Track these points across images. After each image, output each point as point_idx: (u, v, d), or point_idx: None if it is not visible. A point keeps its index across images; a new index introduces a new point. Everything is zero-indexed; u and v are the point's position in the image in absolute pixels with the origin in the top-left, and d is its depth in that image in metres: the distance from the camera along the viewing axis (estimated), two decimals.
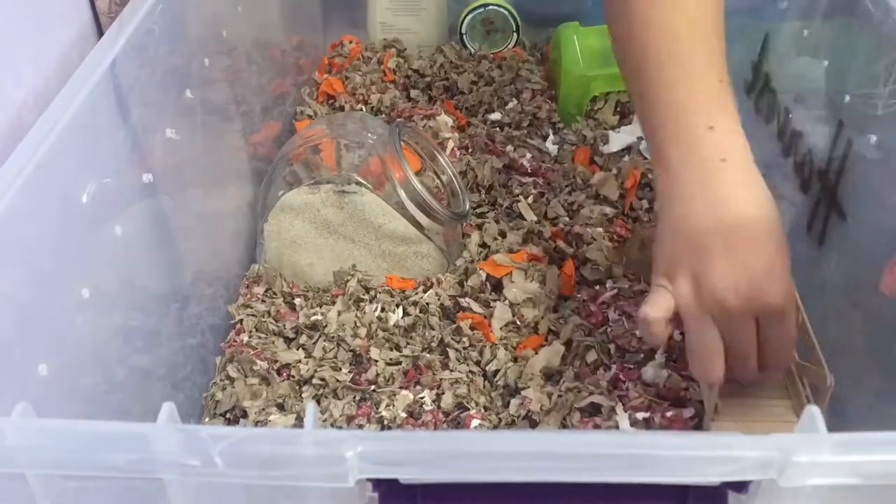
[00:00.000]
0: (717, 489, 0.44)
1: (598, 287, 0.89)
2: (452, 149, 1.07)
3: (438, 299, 0.87)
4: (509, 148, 1.09)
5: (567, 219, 0.99)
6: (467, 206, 0.94)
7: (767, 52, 1.00)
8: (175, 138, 0.78)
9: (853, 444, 0.40)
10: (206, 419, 0.80)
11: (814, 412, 0.41)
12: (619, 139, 1.10)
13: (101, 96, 0.68)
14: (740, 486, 0.43)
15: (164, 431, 0.43)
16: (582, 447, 0.42)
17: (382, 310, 0.87)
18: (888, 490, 0.42)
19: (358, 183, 0.89)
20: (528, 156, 1.07)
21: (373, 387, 0.80)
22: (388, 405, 0.77)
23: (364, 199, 0.89)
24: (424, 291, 0.88)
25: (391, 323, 0.85)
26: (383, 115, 1.16)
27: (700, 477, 0.42)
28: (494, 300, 0.86)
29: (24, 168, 0.58)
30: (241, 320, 0.88)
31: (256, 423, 0.77)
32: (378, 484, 0.45)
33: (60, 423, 0.44)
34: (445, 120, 1.12)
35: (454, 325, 0.84)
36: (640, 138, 1.10)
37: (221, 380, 0.82)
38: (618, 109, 1.17)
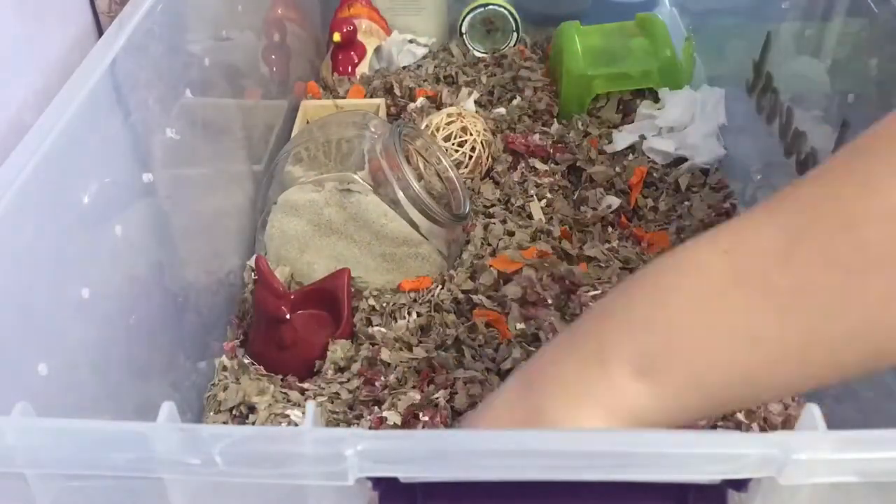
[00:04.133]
0: (717, 487, 0.44)
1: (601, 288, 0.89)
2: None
3: (451, 294, 0.87)
4: (521, 134, 1.11)
5: (573, 217, 0.99)
6: (468, 208, 0.94)
7: (769, 51, 0.99)
8: (175, 138, 0.78)
9: (854, 441, 0.40)
10: (211, 413, 0.79)
11: (813, 410, 0.41)
12: (622, 138, 1.10)
13: (100, 96, 0.68)
14: (740, 485, 0.43)
15: (164, 430, 0.43)
16: (581, 445, 0.42)
17: (394, 310, 0.87)
18: (889, 488, 0.42)
19: (359, 182, 0.89)
20: (546, 144, 1.09)
21: (385, 390, 0.79)
22: (392, 404, 0.77)
23: (366, 200, 0.89)
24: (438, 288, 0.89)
25: (402, 323, 0.85)
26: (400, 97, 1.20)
27: (700, 475, 0.42)
28: (505, 297, 0.86)
29: (24, 168, 0.58)
30: (241, 319, 0.88)
31: (270, 416, 0.77)
32: (378, 482, 0.45)
33: (60, 423, 0.44)
34: (470, 104, 1.16)
35: (469, 323, 0.84)
36: (642, 137, 1.10)
37: (221, 380, 0.81)
38: (620, 108, 1.17)
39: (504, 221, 0.97)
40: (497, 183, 1.05)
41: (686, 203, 1.02)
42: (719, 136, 1.09)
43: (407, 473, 0.44)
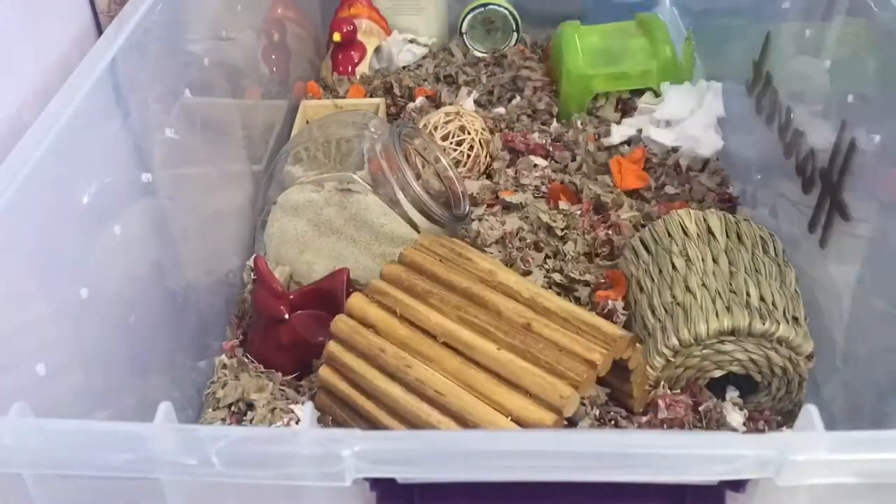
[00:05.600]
0: (715, 488, 0.44)
1: None
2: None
3: None
4: (520, 132, 1.12)
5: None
6: (467, 208, 0.94)
7: (769, 51, 0.99)
8: (174, 138, 0.78)
9: (851, 442, 0.40)
10: (210, 409, 0.79)
11: (811, 410, 0.41)
12: (620, 131, 1.11)
13: (100, 95, 0.68)
14: (738, 485, 0.43)
15: (161, 431, 0.43)
16: (580, 447, 0.42)
17: None
18: (886, 489, 0.42)
19: (359, 182, 0.89)
20: (545, 142, 1.10)
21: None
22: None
23: (366, 200, 0.89)
24: None
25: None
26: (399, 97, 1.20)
27: (698, 476, 0.42)
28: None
29: (23, 167, 0.58)
30: (240, 319, 0.88)
31: (268, 413, 0.77)
32: (375, 483, 0.45)
33: (57, 423, 0.44)
34: (469, 104, 1.16)
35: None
36: (639, 131, 1.10)
37: (220, 377, 0.81)
38: (619, 107, 1.17)
39: (491, 207, 0.99)
40: (490, 177, 1.06)
41: (686, 186, 1.04)
42: (717, 128, 1.10)
43: (404, 474, 0.44)
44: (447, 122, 1.06)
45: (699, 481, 0.45)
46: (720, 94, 1.11)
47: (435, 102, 1.19)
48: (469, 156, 1.05)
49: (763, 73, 1.00)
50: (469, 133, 1.06)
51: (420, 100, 1.18)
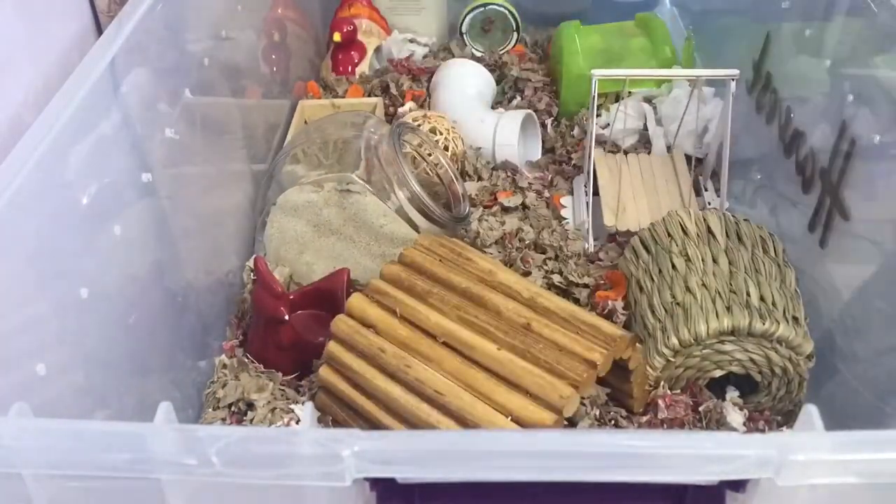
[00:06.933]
0: (715, 488, 0.44)
1: None
2: (445, 136, 1.08)
3: None
4: None
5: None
6: (467, 209, 0.94)
7: (769, 51, 0.99)
8: (175, 138, 0.78)
9: (851, 443, 0.40)
10: (210, 409, 0.80)
11: (811, 410, 0.41)
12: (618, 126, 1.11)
13: (100, 95, 0.68)
14: (738, 485, 0.43)
15: (161, 431, 0.43)
16: (580, 447, 0.42)
17: None
18: (886, 489, 0.42)
19: (358, 183, 0.89)
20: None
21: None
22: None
23: (365, 200, 0.89)
24: None
25: None
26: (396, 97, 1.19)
27: (698, 476, 0.42)
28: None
29: (23, 167, 0.58)
30: (240, 319, 0.88)
31: (268, 413, 0.77)
32: (375, 483, 0.45)
33: (57, 423, 0.44)
34: None
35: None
36: (646, 128, 1.11)
37: (220, 377, 0.81)
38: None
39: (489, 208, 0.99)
40: (481, 178, 1.06)
41: None
42: (701, 133, 1.10)
43: (404, 474, 0.44)
44: (417, 127, 1.06)
45: (699, 481, 0.45)
46: (710, 99, 1.11)
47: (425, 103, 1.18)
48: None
49: (763, 73, 1.00)
50: (440, 133, 1.05)
51: (409, 104, 1.17)
